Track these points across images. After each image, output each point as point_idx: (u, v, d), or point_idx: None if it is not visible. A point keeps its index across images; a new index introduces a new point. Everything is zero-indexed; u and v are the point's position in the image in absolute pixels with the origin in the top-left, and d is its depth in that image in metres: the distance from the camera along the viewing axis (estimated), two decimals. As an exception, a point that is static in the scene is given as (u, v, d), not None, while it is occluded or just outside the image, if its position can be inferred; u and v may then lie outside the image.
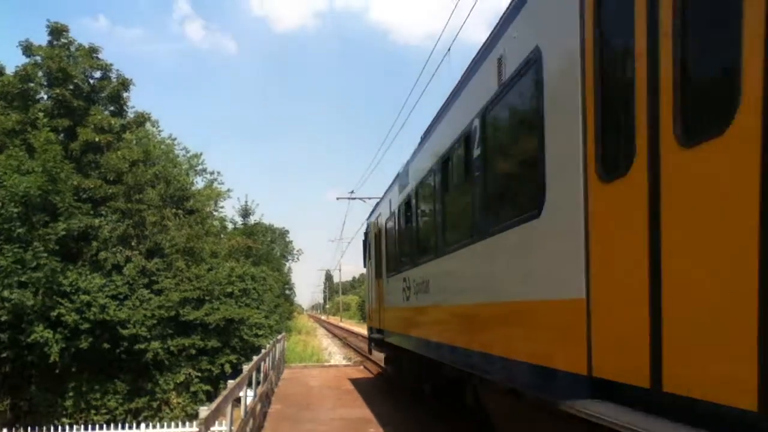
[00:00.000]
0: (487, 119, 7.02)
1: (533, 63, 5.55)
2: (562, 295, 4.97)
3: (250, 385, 11.41)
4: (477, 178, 7.34)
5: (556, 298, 5.09)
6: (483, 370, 7.33)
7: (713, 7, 3.35)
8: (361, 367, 25.64)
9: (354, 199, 40.16)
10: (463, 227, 8.26)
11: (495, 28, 6.81)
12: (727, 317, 3.10)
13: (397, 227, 14.04)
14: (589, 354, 4.48)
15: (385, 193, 16.16)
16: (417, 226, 11.75)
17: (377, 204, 18.29)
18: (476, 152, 7.35)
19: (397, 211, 13.89)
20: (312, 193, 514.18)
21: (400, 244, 13.79)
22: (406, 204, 12.57)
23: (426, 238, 10.91)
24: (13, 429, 19.94)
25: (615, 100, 4.29)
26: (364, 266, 21.42)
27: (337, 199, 42.12)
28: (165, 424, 21.14)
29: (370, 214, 19.48)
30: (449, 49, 16.75)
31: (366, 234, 20.40)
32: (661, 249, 3.62)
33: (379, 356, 21.24)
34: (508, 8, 6.38)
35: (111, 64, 30.74)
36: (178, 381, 27.31)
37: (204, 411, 6.50)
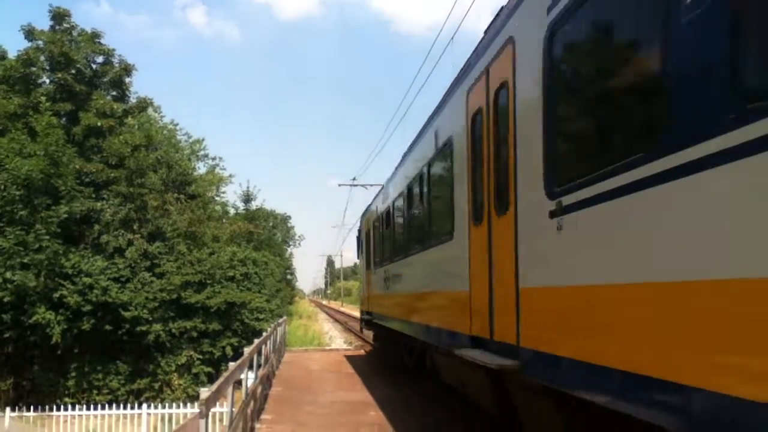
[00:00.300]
0: (430, 169, 10.28)
1: (449, 144, 8.77)
2: (459, 290, 7.99)
3: (251, 367, 11.54)
4: (424, 208, 11.02)
5: (460, 292, 7.96)
6: (427, 338, 10.79)
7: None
8: (362, 351, 25.84)
9: (356, 185, 40.23)
10: (417, 239, 11.68)
11: (435, 108, 10.09)
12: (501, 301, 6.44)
13: (380, 230, 17.15)
14: (471, 322, 7.44)
15: (374, 198, 19.15)
16: (392, 232, 14.97)
17: (368, 207, 20.78)
18: (424, 190, 10.96)
19: (380, 217, 17.12)
20: (314, 179, 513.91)
21: (381, 244, 17.03)
22: (386, 213, 15.68)
23: (397, 242, 14.12)
24: (17, 408, 20.14)
25: (476, 184, 7.42)
26: (358, 258, 25.22)
27: (339, 185, 42.19)
28: (167, 404, 21.34)
29: (363, 215, 22.31)
30: (452, 38, 16.80)
31: (359, 231, 23.41)
32: (492, 263, 6.68)
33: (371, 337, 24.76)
34: (441, 100, 9.71)
35: (113, 50, 30.88)
36: (179, 363, 27.57)
37: (205, 392, 6.62)
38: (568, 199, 4.88)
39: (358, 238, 23.28)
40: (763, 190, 2.89)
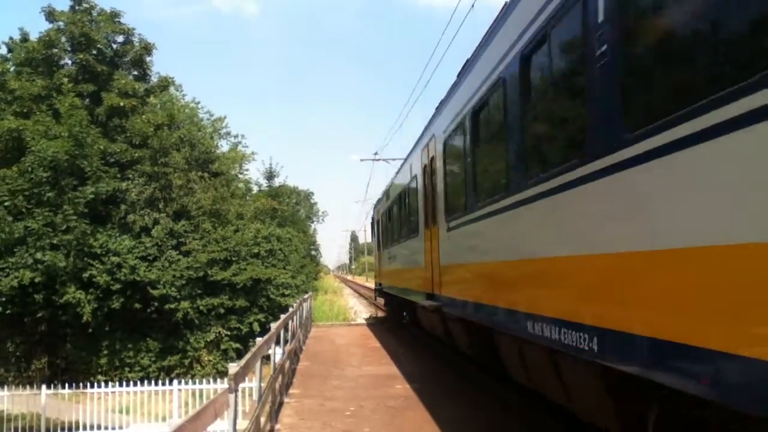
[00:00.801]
0: (408, 189, 15.81)
1: (416, 178, 14.32)
2: (422, 267, 13.24)
3: (278, 342, 11.63)
4: (406, 213, 16.28)
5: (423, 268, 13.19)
6: (406, 298, 17.06)
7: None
8: (386, 325, 25.92)
9: (378, 160, 40.15)
10: (403, 231, 17.09)
11: (411, 148, 15.39)
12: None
13: (384, 221, 22.99)
14: (433, 285, 11.77)
15: (382, 195, 24.45)
16: (390, 223, 20.80)
17: (378, 200, 26.58)
18: (406, 201, 16.34)
19: (383, 210, 23.09)
20: (336, 155, 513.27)
21: (386, 231, 22.72)
22: (388, 209, 21.25)
23: (393, 231, 19.89)
24: (52, 385, 20.58)
25: (426, 206, 12.67)
26: (372, 240, 34.07)
27: (361, 160, 42.36)
28: (197, 380, 21.65)
29: (374, 206, 29.03)
30: (473, 5, 16.53)
31: (372, 219, 29.64)
32: (431, 251, 11.79)
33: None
34: (413, 145, 15.10)
35: (133, 29, 30.93)
36: (208, 339, 27.94)
37: (233, 367, 6.66)
38: (452, 224, 10.18)
39: (372, 224, 29.17)
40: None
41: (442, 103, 11.09)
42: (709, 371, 3.32)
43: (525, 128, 6.42)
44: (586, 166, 4.79)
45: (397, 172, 18.76)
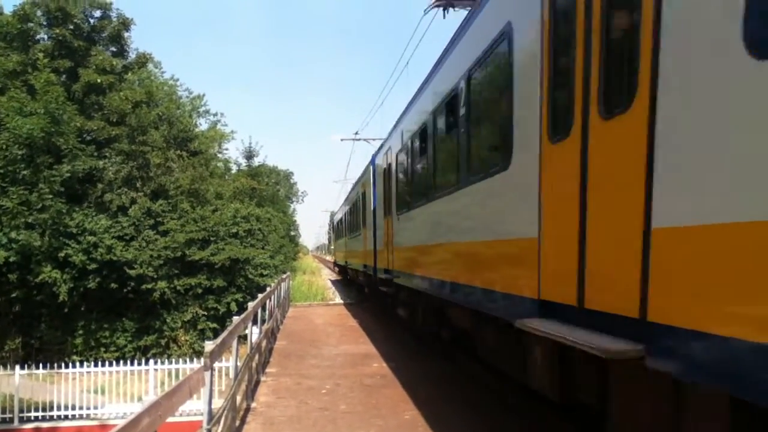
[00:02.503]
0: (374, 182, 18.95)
1: (374, 179, 18.86)
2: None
3: (255, 322, 11.63)
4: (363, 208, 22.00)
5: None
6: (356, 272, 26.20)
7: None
8: (365, 304, 26.02)
9: (358, 140, 39.95)
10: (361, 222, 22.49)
11: (379, 147, 19.01)
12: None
13: (347, 216, 30.34)
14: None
15: (343, 202, 31.09)
16: (345, 220, 28.99)
17: (334, 212, 37.05)
18: (362, 200, 22.29)
19: (345, 210, 30.69)
20: (316, 135, 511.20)
21: (339, 229, 34.50)
22: (348, 212, 28.55)
23: (352, 223, 27.17)
24: (26, 366, 20.41)
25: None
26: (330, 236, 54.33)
27: (341, 140, 41.98)
28: (173, 360, 21.60)
29: (332, 215, 39.08)
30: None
31: (332, 220, 39.43)
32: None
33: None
34: None
35: (111, 3, 30.30)
36: (185, 319, 27.82)
37: (210, 345, 6.65)
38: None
39: (331, 226, 40.11)
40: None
41: (396, 125, 13.94)
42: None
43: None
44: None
45: (358, 179, 24.80)
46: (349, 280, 38.15)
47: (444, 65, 9.03)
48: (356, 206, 24.61)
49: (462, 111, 7.88)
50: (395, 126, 14.03)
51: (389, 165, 14.85)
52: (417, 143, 11.11)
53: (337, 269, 50.41)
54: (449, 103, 8.56)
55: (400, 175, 13.20)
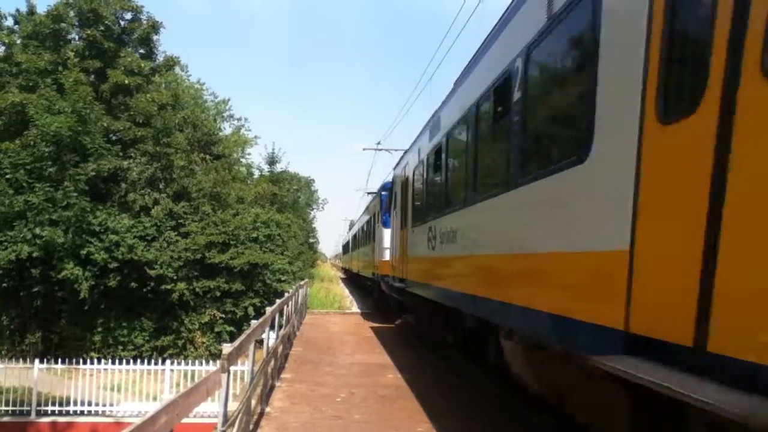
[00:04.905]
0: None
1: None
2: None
3: (272, 327, 11.68)
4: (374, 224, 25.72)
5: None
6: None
7: None
8: (381, 315, 25.97)
9: (380, 150, 40.01)
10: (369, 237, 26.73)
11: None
12: None
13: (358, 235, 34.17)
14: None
15: (364, 211, 32.37)
16: (357, 238, 36.44)
17: (358, 218, 37.73)
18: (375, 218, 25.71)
19: (356, 232, 35.77)
20: (338, 143, 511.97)
21: (353, 243, 40.91)
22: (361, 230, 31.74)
23: (355, 245, 38.32)
24: (45, 360, 20.63)
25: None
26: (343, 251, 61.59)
27: (364, 149, 41.95)
28: (189, 361, 21.71)
29: (349, 229, 44.66)
30: (480, 1, 16.46)
31: (350, 227, 44.10)
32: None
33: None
34: None
35: (141, 6, 30.70)
36: (202, 321, 27.98)
37: (227, 347, 6.70)
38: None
39: (345, 244, 45.88)
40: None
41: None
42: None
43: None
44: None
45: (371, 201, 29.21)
46: (363, 287, 40.16)
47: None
48: (369, 223, 28.58)
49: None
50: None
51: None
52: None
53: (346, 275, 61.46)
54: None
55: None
